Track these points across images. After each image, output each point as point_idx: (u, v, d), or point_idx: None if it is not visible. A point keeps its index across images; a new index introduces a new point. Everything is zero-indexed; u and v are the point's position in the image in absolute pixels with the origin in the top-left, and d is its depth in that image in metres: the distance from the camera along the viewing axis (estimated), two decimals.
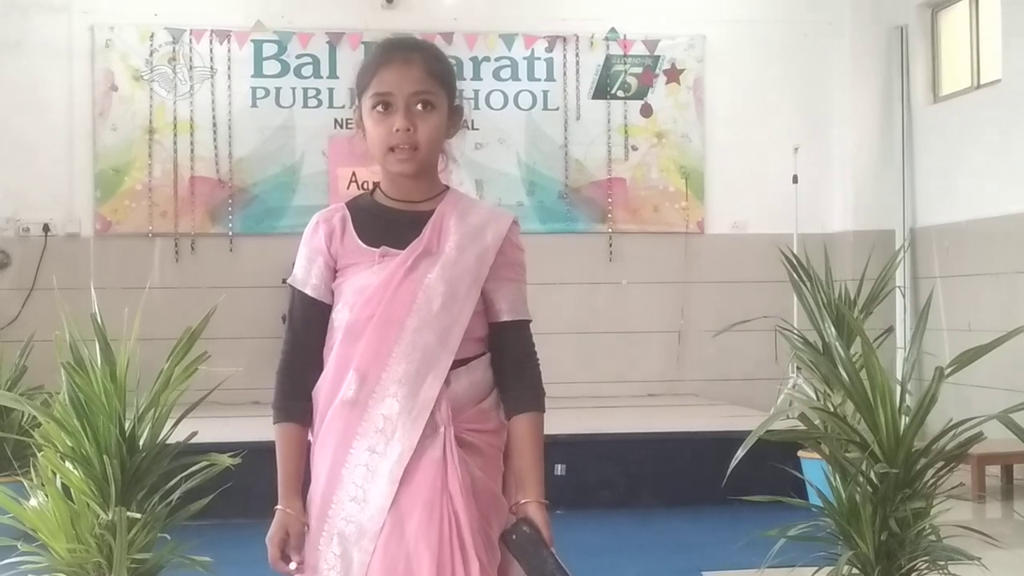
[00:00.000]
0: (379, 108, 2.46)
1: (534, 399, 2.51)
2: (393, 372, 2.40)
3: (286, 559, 2.42)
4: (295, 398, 2.50)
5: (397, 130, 2.43)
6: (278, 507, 2.44)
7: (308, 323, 2.52)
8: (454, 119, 2.55)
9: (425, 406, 2.39)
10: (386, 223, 2.51)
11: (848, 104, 9.74)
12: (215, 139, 9.26)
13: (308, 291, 2.51)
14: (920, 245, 9.35)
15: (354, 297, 2.45)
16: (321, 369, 2.49)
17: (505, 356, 2.52)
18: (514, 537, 2.39)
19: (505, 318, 2.52)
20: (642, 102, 9.72)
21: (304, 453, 2.49)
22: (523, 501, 2.44)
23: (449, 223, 2.50)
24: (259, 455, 3.12)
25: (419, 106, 2.45)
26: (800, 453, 6.32)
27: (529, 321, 2.56)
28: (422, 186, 2.53)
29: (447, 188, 2.58)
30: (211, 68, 9.30)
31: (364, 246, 2.49)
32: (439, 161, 2.56)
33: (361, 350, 2.42)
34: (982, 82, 8.91)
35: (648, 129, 9.71)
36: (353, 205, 2.57)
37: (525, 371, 2.53)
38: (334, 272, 2.51)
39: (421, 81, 2.45)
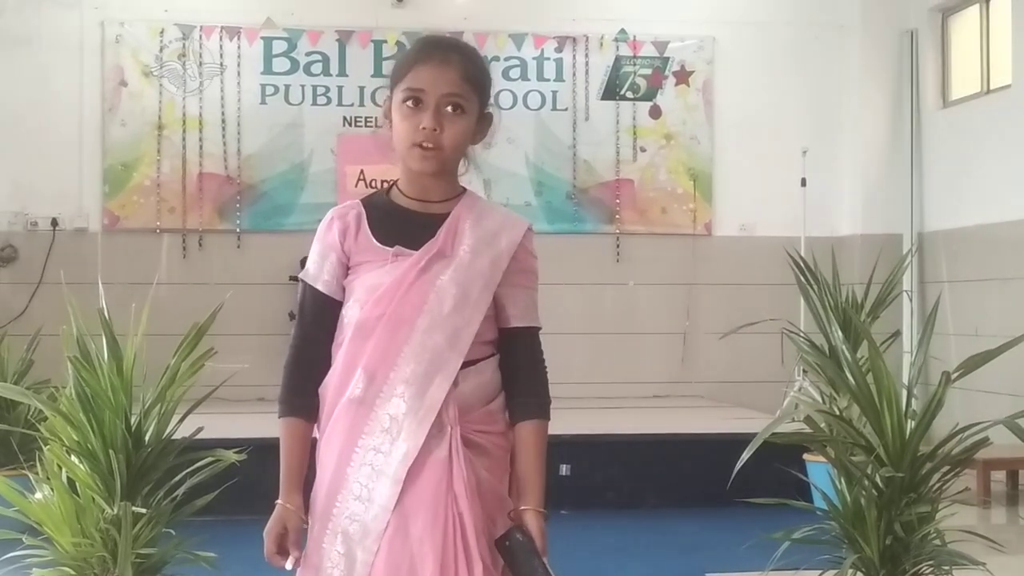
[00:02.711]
0: (409, 103, 2.45)
1: (539, 407, 2.51)
2: (401, 372, 2.40)
3: (283, 553, 2.42)
4: (301, 393, 2.49)
5: (423, 128, 2.42)
6: (278, 501, 2.44)
7: (318, 318, 2.51)
8: (482, 125, 2.54)
9: (432, 407, 2.39)
10: (401, 223, 2.50)
11: (857, 107, 9.73)
12: (224, 135, 9.28)
13: (319, 287, 2.51)
14: (928, 249, 9.34)
15: (365, 295, 2.45)
16: (329, 365, 2.48)
17: (513, 362, 2.52)
18: (507, 543, 2.38)
19: (515, 324, 2.51)
20: (651, 103, 9.72)
21: (308, 449, 2.49)
22: (521, 508, 2.44)
23: (464, 226, 2.49)
24: (264, 451, 3.12)
25: (449, 108, 2.44)
26: (805, 456, 6.31)
27: (539, 328, 2.55)
28: (441, 186, 2.52)
29: (464, 190, 2.58)
30: (221, 65, 9.31)
31: (378, 244, 2.48)
32: (460, 164, 2.56)
33: (370, 349, 2.41)
34: (992, 87, 8.90)
35: (657, 131, 9.71)
36: (369, 203, 2.56)
37: (532, 378, 2.52)
38: (347, 269, 2.50)
39: (455, 84, 2.44)
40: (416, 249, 2.46)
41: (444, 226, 2.48)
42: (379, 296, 2.43)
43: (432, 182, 2.51)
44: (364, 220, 2.51)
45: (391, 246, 2.47)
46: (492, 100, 2.57)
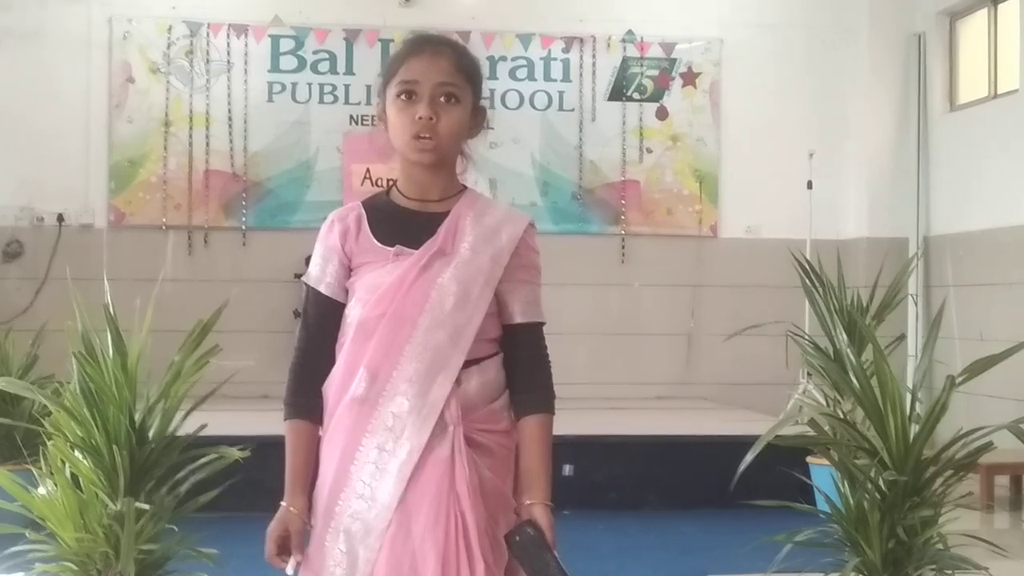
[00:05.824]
0: (403, 96, 2.46)
1: (544, 401, 2.51)
2: (404, 370, 2.40)
3: (284, 554, 2.42)
4: (307, 395, 2.50)
5: (419, 118, 2.43)
6: (282, 503, 2.45)
7: (322, 321, 2.52)
8: (477, 119, 2.54)
9: (435, 405, 2.39)
10: (401, 223, 2.50)
11: (864, 111, 9.72)
12: (230, 133, 9.29)
13: (322, 289, 2.51)
14: (933, 253, 9.33)
15: (367, 295, 2.45)
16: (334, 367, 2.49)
17: (517, 357, 2.52)
18: (517, 538, 2.37)
19: (518, 320, 2.51)
20: (658, 105, 9.72)
21: (314, 450, 2.48)
22: (528, 503, 2.44)
23: (464, 224, 2.49)
24: (268, 449, 3.13)
25: (443, 98, 2.45)
26: (809, 459, 6.29)
27: (542, 323, 2.55)
28: (439, 183, 2.52)
29: (464, 188, 2.58)
30: (228, 62, 9.32)
31: (379, 245, 2.48)
32: (458, 162, 2.56)
33: (372, 348, 2.42)
34: (999, 92, 8.89)
35: (663, 132, 9.71)
36: (369, 204, 2.56)
37: (536, 373, 2.52)
38: (349, 271, 2.51)
39: (448, 73, 2.45)
40: (417, 248, 2.46)
41: (444, 224, 2.48)
42: (380, 295, 2.43)
43: (431, 179, 2.51)
44: (364, 221, 2.52)
45: (392, 246, 2.47)
46: (485, 95, 2.57)
